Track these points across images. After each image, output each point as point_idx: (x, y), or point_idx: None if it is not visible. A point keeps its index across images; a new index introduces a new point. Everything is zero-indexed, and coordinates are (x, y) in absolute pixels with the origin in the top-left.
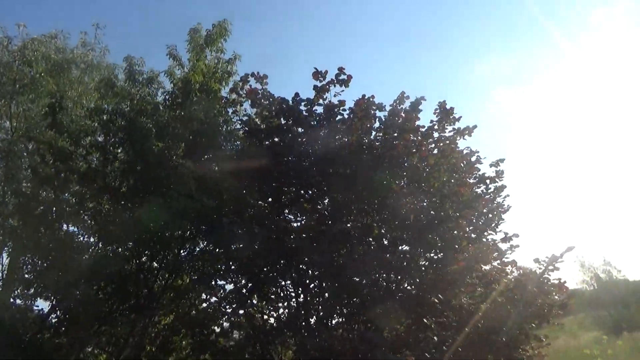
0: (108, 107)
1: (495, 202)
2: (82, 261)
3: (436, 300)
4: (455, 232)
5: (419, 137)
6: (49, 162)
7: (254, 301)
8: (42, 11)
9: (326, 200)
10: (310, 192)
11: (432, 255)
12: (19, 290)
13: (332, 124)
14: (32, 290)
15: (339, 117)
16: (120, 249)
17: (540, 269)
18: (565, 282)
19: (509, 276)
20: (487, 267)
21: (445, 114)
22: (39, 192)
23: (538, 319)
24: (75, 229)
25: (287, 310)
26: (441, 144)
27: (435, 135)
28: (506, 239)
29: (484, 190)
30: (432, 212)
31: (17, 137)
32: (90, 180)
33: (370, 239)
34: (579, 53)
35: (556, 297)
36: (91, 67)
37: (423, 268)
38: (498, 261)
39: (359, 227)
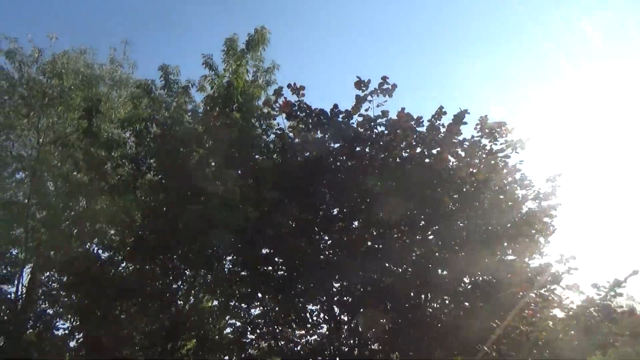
0: (142, 117)
1: (548, 220)
2: (105, 279)
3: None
4: (510, 251)
5: (462, 152)
6: (82, 169)
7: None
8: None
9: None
10: (345, 209)
11: (484, 277)
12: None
13: (372, 139)
14: (51, 311)
15: (377, 129)
16: (148, 267)
17: (598, 294)
18: (635, 309)
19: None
20: (543, 291)
21: (487, 128)
22: (68, 204)
23: (603, 349)
24: (100, 245)
25: (315, 337)
26: (491, 158)
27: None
28: (561, 260)
29: (538, 206)
30: (483, 229)
31: (46, 149)
32: (120, 192)
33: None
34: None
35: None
36: (119, 83)
37: (477, 293)
38: (555, 285)
39: (406, 245)
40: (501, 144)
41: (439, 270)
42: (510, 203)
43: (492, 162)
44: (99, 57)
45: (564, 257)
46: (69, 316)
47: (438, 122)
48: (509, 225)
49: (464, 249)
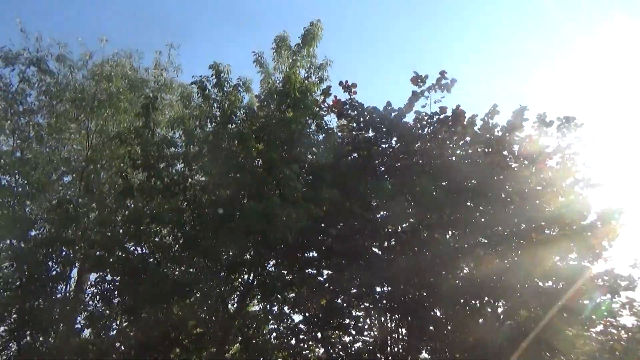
0: (193, 114)
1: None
2: (159, 279)
3: None
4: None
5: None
6: (139, 166)
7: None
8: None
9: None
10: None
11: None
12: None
13: (429, 137)
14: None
15: (434, 126)
16: (194, 270)
17: None
18: None
19: None
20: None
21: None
22: (121, 203)
23: None
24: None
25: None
26: (560, 155)
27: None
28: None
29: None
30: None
31: (96, 150)
32: (173, 192)
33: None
34: None
35: None
36: (164, 87)
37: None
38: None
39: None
40: (569, 140)
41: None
42: (576, 203)
43: (561, 159)
44: (145, 61)
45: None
46: (117, 317)
47: (491, 120)
48: (574, 227)
49: (519, 249)
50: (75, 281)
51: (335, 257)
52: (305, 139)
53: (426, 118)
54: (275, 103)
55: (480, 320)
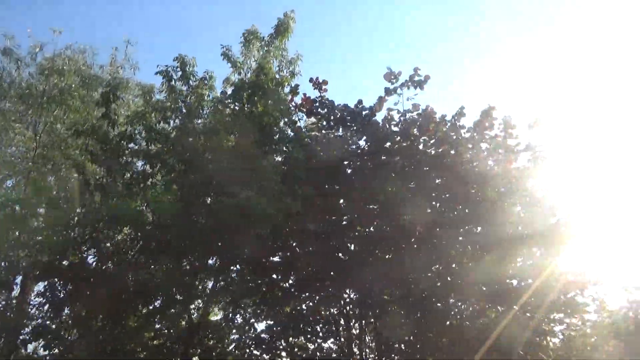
0: (155, 108)
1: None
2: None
3: None
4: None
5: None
6: (98, 161)
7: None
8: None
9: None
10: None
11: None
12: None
13: (401, 136)
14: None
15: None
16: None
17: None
18: None
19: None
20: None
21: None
22: (75, 203)
23: None
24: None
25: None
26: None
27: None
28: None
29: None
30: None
31: (45, 148)
32: (131, 192)
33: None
34: None
35: None
36: (120, 85)
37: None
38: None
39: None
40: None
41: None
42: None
43: (529, 159)
44: (100, 57)
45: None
46: (68, 330)
47: (458, 122)
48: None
49: (493, 252)
50: (19, 290)
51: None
52: (277, 134)
53: (398, 116)
54: (246, 95)
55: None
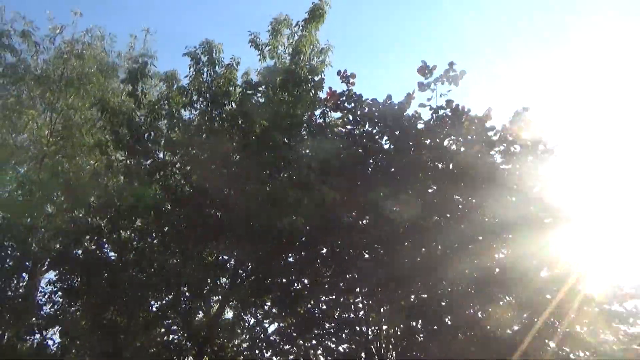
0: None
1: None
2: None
3: None
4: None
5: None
6: (123, 140)
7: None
8: None
9: None
10: None
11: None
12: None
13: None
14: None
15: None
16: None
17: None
18: None
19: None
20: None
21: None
22: (93, 188)
23: None
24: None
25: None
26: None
27: None
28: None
29: None
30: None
31: (66, 133)
32: (153, 178)
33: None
34: None
35: None
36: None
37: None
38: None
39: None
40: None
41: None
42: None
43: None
44: (117, 45)
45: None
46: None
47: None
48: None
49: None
50: (27, 277)
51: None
52: (309, 124)
53: (430, 112)
54: (280, 80)
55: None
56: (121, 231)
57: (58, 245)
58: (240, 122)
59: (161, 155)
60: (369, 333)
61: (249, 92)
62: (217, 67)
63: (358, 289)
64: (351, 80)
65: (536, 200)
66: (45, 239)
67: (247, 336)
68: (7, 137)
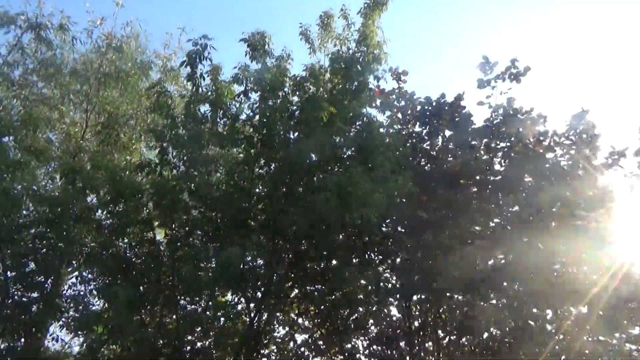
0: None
1: None
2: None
3: None
4: None
5: None
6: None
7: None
8: None
9: None
10: None
11: None
12: None
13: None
14: None
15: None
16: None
17: None
18: None
19: None
20: None
21: None
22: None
23: None
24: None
25: None
26: None
27: None
28: None
29: None
30: None
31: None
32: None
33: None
34: None
35: None
36: (171, 74)
37: None
38: None
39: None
40: None
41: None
42: None
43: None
44: (151, 45)
45: None
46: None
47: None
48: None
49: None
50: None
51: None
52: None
53: (489, 111)
54: (344, 65)
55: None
56: (174, 223)
57: (96, 241)
58: (303, 111)
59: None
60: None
61: (312, 81)
62: (268, 57)
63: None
64: (402, 78)
65: None
66: (83, 233)
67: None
68: (41, 132)
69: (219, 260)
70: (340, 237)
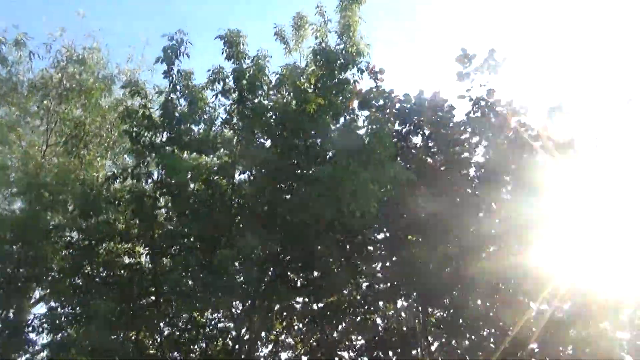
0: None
1: None
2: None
3: None
4: None
5: None
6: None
7: None
8: None
9: None
10: None
11: None
12: None
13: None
14: None
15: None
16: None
17: None
18: None
19: None
20: None
21: None
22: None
23: None
24: None
25: None
26: None
27: None
28: None
29: None
30: None
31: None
32: None
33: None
34: None
35: None
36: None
37: None
38: None
39: None
40: None
41: None
42: None
43: None
44: (114, 57)
45: None
46: None
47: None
48: None
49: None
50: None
51: None
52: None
53: (470, 104)
54: (324, 61)
55: None
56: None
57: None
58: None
59: None
60: None
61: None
62: (244, 59)
63: None
64: (379, 76)
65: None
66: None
67: None
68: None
69: (209, 266)
70: (330, 239)
